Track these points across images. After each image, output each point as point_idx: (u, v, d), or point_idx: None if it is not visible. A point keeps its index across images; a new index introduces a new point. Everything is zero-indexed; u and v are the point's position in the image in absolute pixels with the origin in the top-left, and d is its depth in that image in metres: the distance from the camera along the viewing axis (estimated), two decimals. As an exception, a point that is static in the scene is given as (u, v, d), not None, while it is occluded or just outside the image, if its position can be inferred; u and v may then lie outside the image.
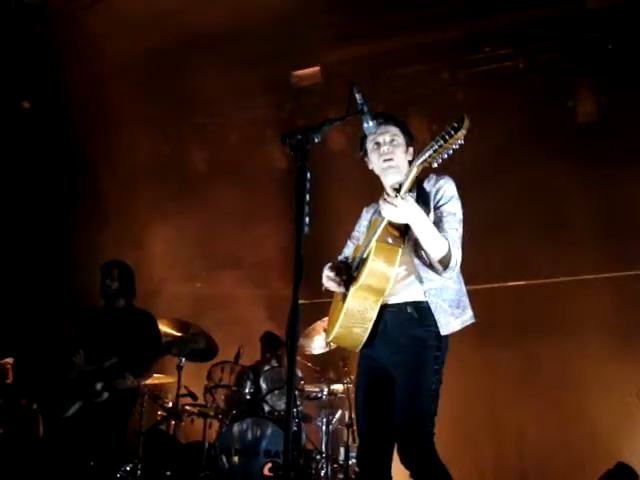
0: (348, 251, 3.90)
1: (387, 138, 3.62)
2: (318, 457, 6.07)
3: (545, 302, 7.00)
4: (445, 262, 3.43)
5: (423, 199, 3.54)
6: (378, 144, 3.64)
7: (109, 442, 5.39)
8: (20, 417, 6.12)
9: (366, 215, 3.90)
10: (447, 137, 3.17)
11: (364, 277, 3.45)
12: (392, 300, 3.53)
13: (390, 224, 3.46)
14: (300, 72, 7.88)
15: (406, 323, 3.50)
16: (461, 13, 7.12)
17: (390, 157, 3.60)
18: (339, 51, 7.64)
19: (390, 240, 3.49)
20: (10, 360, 5.78)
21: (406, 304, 3.52)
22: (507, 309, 7.14)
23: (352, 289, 3.51)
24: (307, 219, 2.69)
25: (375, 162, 3.68)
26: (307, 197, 2.71)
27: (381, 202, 3.35)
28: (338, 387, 6.30)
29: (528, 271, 7.22)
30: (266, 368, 6.50)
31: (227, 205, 7.77)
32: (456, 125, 3.17)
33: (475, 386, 7.03)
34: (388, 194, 3.43)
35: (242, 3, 6.94)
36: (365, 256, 3.52)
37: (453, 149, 3.21)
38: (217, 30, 7.09)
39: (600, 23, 6.98)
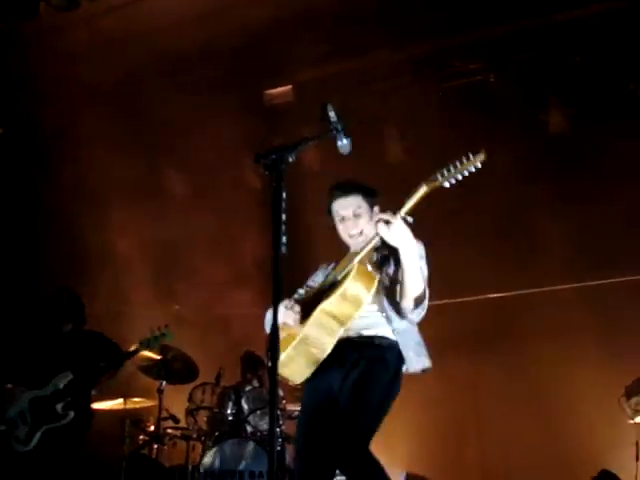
0: (297, 296, 3.83)
1: (349, 212, 3.71)
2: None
3: (527, 313, 7.04)
4: (419, 300, 3.48)
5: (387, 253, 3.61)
6: (343, 218, 3.73)
7: (73, 463, 5.27)
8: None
9: (322, 272, 3.92)
10: (459, 164, 3.27)
11: (334, 298, 3.42)
12: (356, 333, 3.55)
13: (369, 252, 3.50)
14: (272, 91, 7.91)
15: (372, 352, 3.51)
16: (431, 29, 7.19)
17: (354, 231, 3.70)
18: (311, 70, 7.69)
19: (369, 267, 3.51)
20: None
21: (375, 337, 3.55)
22: (490, 321, 7.18)
23: (316, 311, 3.45)
24: (284, 238, 2.70)
25: (342, 234, 3.78)
26: (283, 217, 2.72)
27: (378, 223, 3.35)
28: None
29: (506, 283, 7.25)
30: (247, 388, 6.46)
31: (202, 226, 7.76)
32: (471, 155, 3.28)
33: (458, 397, 7.04)
34: (387, 215, 3.37)
35: (214, 23, 6.98)
36: (339, 279, 3.50)
37: (464, 174, 3.28)
38: (189, 50, 7.12)
39: (568, 35, 7.08)
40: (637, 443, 5.56)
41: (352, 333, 3.53)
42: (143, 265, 7.63)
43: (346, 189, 3.76)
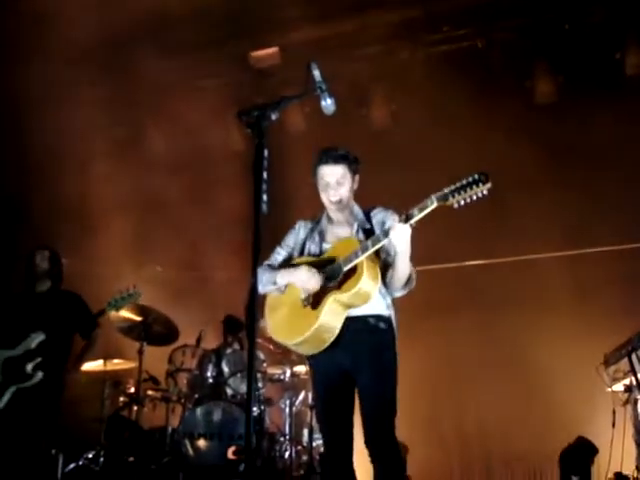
0: (280, 257, 4.04)
1: (333, 180, 3.86)
2: (282, 439, 6.08)
3: (502, 281, 7.09)
4: (409, 283, 3.79)
5: (371, 229, 3.85)
6: (327, 184, 3.89)
7: (46, 424, 5.26)
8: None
9: (303, 230, 4.09)
10: (468, 188, 3.33)
11: (349, 295, 3.63)
12: (354, 313, 3.74)
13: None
14: (259, 53, 7.81)
15: (370, 331, 3.76)
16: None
17: (336, 198, 3.88)
18: (298, 32, 7.57)
19: (372, 260, 3.71)
20: None
21: (370, 316, 3.77)
22: (465, 288, 7.21)
23: (328, 301, 3.66)
24: (265, 197, 2.66)
25: (323, 199, 3.95)
26: (264, 175, 2.68)
27: (395, 225, 3.50)
28: (301, 369, 6.30)
29: (485, 250, 7.27)
30: (228, 351, 6.46)
31: (184, 186, 7.69)
32: (480, 180, 3.32)
33: (435, 364, 7.08)
34: (397, 219, 3.55)
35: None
36: (343, 268, 3.67)
37: (472, 199, 3.34)
38: (174, 10, 6.99)
39: (556, 3, 7.05)
40: (613, 410, 5.60)
41: (353, 312, 3.74)
42: (123, 224, 7.56)
43: (334, 157, 3.89)
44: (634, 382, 5.17)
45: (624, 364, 5.26)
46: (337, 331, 3.69)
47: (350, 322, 3.72)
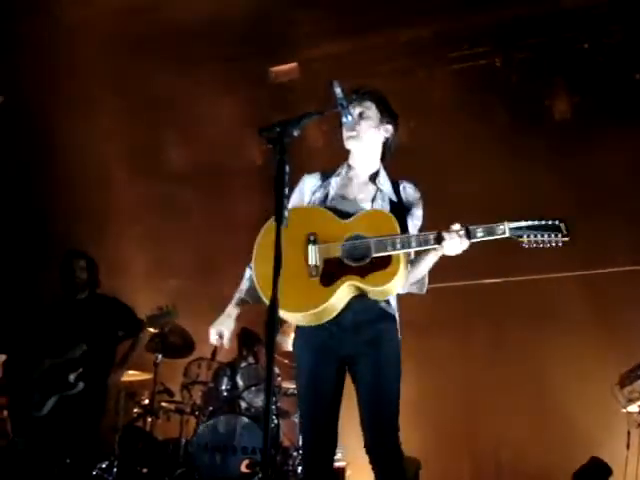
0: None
1: (356, 111, 3.57)
2: (295, 454, 6.07)
3: (517, 300, 7.05)
4: (419, 284, 3.51)
5: (399, 203, 3.53)
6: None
7: (86, 436, 5.34)
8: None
9: (309, 184, 3.66)
10: (546, 233, 3.25)
11: (374, 290, 3.29)
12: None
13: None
14: (278, 68, 7.87)
15: (378, 316, 3.42)
16: (439, 11, 7.15)
17: (352, 133, 3.54)
18: (317, 48, 7.65)
19: (405, 257, 3.36)
20: (2, 357, 5.69)
21: (377, 300, 3.42)
22: (480, 307, 7.20)
23: (345, 283, 3.26)
24: (286, 213, 2.68)
25: (343, 139, 3.61)
26: (286, 190, 2.70)
27: (454, 235, 3.23)
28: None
29: (500, 269, 7.26)
30: (243, 365, 6.48)
31: (202, 200, 7.74)
32: (561, 229, 3.26)
33: (450, 382, 7.06)
34: (456, 231, 3.25)
35: (220, -1, 6.93)
36: (373, 253, 3.25)
37: (546, 246, 3.25)
38: (196, 25, 7.05)
39: (576, 22, 7.06)
40: (628, 432, 5.59)
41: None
42: (142, 238, 7.62)
43: (363, 92, 3.61)
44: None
45: (639, 385, 5.25)
46: (337, 312, 3.33)
47: (354, 301, 3.35)
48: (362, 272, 3.25)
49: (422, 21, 7.31)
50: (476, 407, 7.17)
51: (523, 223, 3.24)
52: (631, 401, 5.55)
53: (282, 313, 3.33)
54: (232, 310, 3.72)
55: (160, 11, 7.03)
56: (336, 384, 3.43)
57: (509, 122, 7.09)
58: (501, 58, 7.41)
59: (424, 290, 3.54)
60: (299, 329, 3.52)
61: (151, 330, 5.76)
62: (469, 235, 3.24)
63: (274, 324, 2.66)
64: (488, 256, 6.85)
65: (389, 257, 3.25)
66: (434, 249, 3.30)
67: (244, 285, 3.72)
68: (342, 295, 3.29)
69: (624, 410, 5.67)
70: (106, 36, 7.10)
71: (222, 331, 3.65)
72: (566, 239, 3.23)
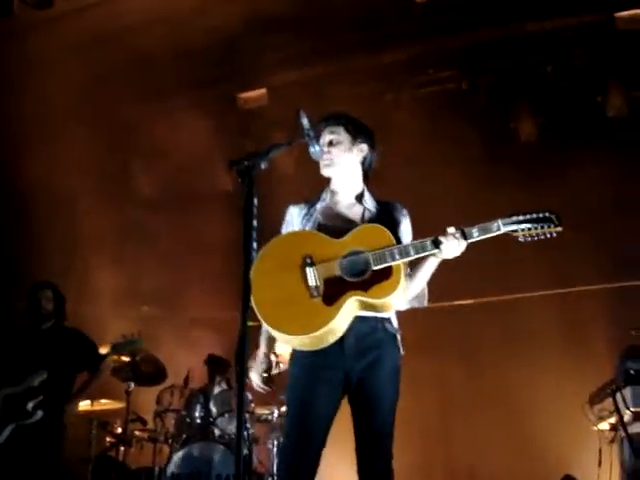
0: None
1: (326, 139, 3.59)
2: (270, 479, 6.05)
3: (490, 320, 7.11)
4: (419, 298, 3.50)
5: (390, 221, 3.52)
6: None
7: (46, 465, 5.28)
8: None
9: (298, 215, 3.61)
10: (539, 225, 3.26)
11: (376, 302, 3.25)
12: (366, 313, 3.35)
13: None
14: (246, 94, 7.92)
15: (378, 337, 3.39)
16: (405, 36, 7.26)
17: (326, 158, 3.54)
18: (285, 74, 7.70)
19: (404, 267, 3.35)
20: None
21: (381, 319, 3.41)
22: (454, 328, 7.24)
23: (349, 300, 3.22)
24: (254, 244, 2.71)
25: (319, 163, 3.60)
26: (254, 222, 2.73)
27: (450, 238, 3.26)
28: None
29: (473, 290, 7.32)
30: (215, 391, 6.45)
31: (174, 231, 7.75)
32: (553, 220, 3.27)
33: (423, 400, 7.06)
34: (452, 233, 3.28)
35: (188, 25, 6.98)
36: (373, 266, 3.23)
37: (540, 238, 3.28)
38: (160, 51, 7.09)
39: (540, 46, 7.19)
40: (600, 449, 5.63)
41: (362, 312, 3.36)
42: (111, 265, 7.59)
43: (329, 118, 3.63)
44: (619, 421, 5.20)
45: (609, 403, 5.30)
46: (342, 333, 3.29)
47: (357, 322, 3.31)
48: (364, 286, 3.23)
49: (388, 46, 7.39)
50: (451, 426, 7.20)
51: (515, 218, 3.26)
52: (602, 419, 5.60)
53: (286, 338, 3.33)
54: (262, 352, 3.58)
55: (125, 39, 7.08)
56: (331, 412, 3.39)
57: (476, 144, 7.17)
58: (467, 82, 7.50)
59: (425, 303, 3.54)
60: (297, 353, 3.45)
61: (114, 358, 5.72)
62: (465, 236, 3.27)
63: (244, 350, 2.67)
64: (463, 277, 6.98)
65: (389, 268, 3.24)
66: (433, 255, 3.31)
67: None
68: (347, 312, 3.26)
69: (595, 428, 5.72)
70: (71, 65, 7.11)
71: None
72: (559, 229, 3.25)
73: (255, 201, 2.73)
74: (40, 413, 5.16)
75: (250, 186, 2.77)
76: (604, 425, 5.66)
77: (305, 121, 3.10)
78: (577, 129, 6.99)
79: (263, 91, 7.84)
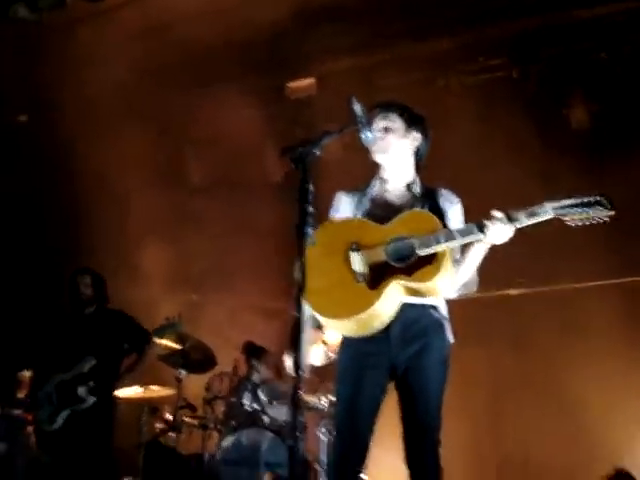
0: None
1: (380, 125, 3.59)
2: (318, 468, 6.07)
3: (545, 310, 7.01)
4: (468, 284, 3.47)
5: (437, 207, 3.52)
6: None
7: (101, 449, 5.37)
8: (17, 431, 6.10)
9: (346, 203, 3.64)
10: (590, 209, 3.18)
11: (420, 285, 3.24)
12: (414, 300, 3.37)
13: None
14: (295, 84, 7.92)
15: (425, 325, 3.40)
16: (455, 23, 7.18)
17: (380, 144, 3.54)
18: (334, 63, 7.68)
19: (450, 252, 3.34)
20: (28, 373, 5.77)
21: (430, 307, 3.42)
22: (507, 318, 7.17)
23: (391, 283, 3.23)
24: (310, 231, 2.72)
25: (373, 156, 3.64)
26: (310, 209, 2.74)
27: (497, 222, 3.20)
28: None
29: (528, 280, 7.22)
30: (255, 378, 6.49)
31: (224, 218, 7.80)
32: (604, 204, 3.19)
33: (478, 389, 7.03)
34: (498, 217, 3.22)
35: (235, 16, 7.00)
36: (418, 252, 3.23)
37: (591, 222, 3.20)
38: (211, 42, 7.13)
39: (593, 32, 7.04)
40: (654, 443, 5.56)
41: (411, 298, 3.37)
42: (160, 252, 7.68)
43: (383, 105, 3.64)
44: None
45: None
46: (389, 319, 3.32)
47: (405, 309, 3.34)
48: (408, 271, 3.24)
49: (438, 34, 7.32)
50: (501, 420, 7.14)
51: (565, 202, 3.18)
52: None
53: (333, 323, 3.39)
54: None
55: (175, 30, 7.14)
56: (379, 398, 3.41)
57: (528, 132, 7.06)
58: (518, 70, 7.39)
59: (474, 289, 3.51)
60: (345, 341, 3.49)
61: (159, 341, 5.79)
62: (512, 220, 3.21)
63: (299, 338, 2.68)
64: (513, 266, 6.89)
65: (434, 254, 3.23)
66: (480, 240, 3.28)
67: None
68: (391, 297, 3.28)
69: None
70: (124, 57, 7.19)
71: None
72: (612, 212, 3.16)
73: (310, 187, 2.73)
74: (92, 398, 5.27)
75: (304, 172, 2.78)
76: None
77: (357, 107, 3.08)
78: (632, 116, 6.83)
79: (312, 80, 7.83)
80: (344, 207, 3.63)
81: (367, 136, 3.24)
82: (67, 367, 5.39)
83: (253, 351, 6.85)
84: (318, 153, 2.86)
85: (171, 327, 5.58)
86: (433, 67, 7.49)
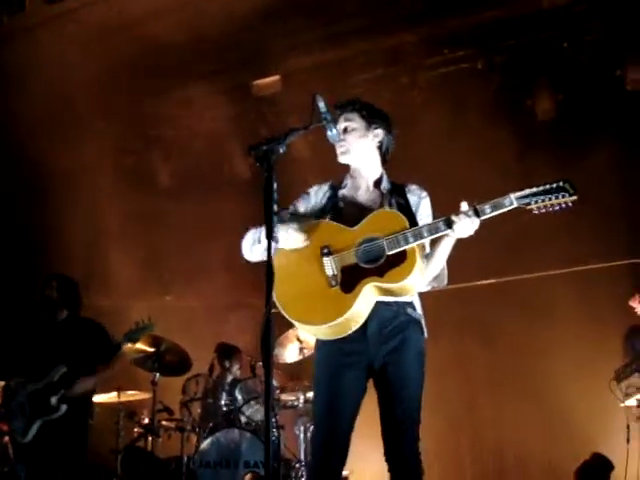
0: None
1: (341, 126, 3.59)
2: (297, 465, 6.08)
3: (513, 299, 7.07)
4: (439, 278, 3.49)
5: (406, 204, 3.53)
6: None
7: (74, 458, 5.30)
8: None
9: (317, 194, 3.67)
10: (553, 196, 3.19)
11: (393, 286, 3.27)
12: (388, 298, 3.39)
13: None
14: (260, 81, 7.90)
15: (401, 322, 3.42)
16: (418, 17, 7.19)
17: (340, 145, 3.57)
18: (299, 59, 7.65)
19: (420, 250, 3.36)
20: (0, 383, 5.66)
21: (403, 304, 3.44)
22: (479, 307, 7.22)
23: (366, 286, 3.27)
24: (276, 229, 2.72)
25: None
26: (275, 207, 2.74)
27: (462, 217, 3.23)
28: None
29: (495, 269, 7.28)
30: (230, 378, 6.50)
31: (193, 217, 7.77)
32: (567, 189, 3.20)
33: (450, 384, 7.06)
34: (464, 211, 3.26)
35: (200, 13, 6.96)
36: (387, 252, 3.27)
37: (555, 209, 3.22)
38: (176, 41, 7.08)
39: (555, 21, 7.09)
40: (628, 426, 5.62)
41: (384, 297, 3.39)
42: (131, 257, 7.63)
43: (342, 105, 3.62)
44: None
45: (636, 379, 5.27)
46: (364, 319, 3.33)
47: (380, 307, 3.36)
48: (380, 272, 3.27)
49: (402, 27, 7.32)
50: (477, 408, 7.19)
51: (528, 191, 3.21)
52: (628, 395, 5.57)
53: (308, 329, 3.45)
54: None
55: (137, 29, 7.08)
56: (358, 398, 3.43)
57: (494, 123, 7.10)
58: (483, 61, 7.42)
59: (445, 282, 3.53)
60: (321, 341, 3.50)
61: (130, 347, 5.72)
62: (478, 213, 3.24)
63: (270, 335, 2.69)
64: (482, 258, 6.94)
65: (404, 252, 3.27)
66: (447, 235, 3.30)
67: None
68: (365, 299, 3.30)
69: (622, 405, 5.69)
70: (85, 58, 7.12)
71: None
72: (574, 197, 3.18)
73: (275, 186, 2.73)
74: (64, 407, 5.18)
75: (269, 171, 2.79)
76: (631, 402, 5.63)
77: (322, 104, 3.09)
78: (596, 104, 6.89)
79: (277, 78, 7.81)
80: (314, 197, 3.65)
81: (333, 133, 3.25)
82: (38, 376, 5.31)
83: (225, 352, 6.84)
84: (282, 151, 2.87)
85: (142, 330, 5.49)
86: (398, 61, 7.50)
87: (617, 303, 6.47)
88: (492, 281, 7.37)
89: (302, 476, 5.98)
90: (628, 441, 5.57)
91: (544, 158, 6.70)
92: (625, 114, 6.77)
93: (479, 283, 7.38)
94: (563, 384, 6.47)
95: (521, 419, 6.83)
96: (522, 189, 3.23)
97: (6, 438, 5.66)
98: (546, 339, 6.75)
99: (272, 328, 2.68)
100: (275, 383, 6.27)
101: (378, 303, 3.36)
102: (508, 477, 7.12)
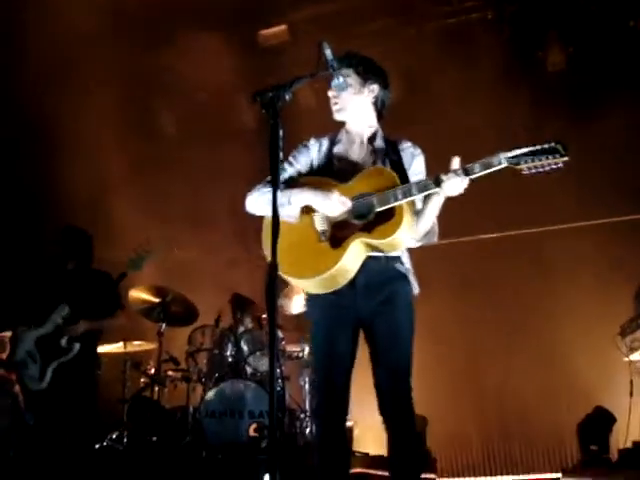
0: (286, 175, 3.52)
1: (332, 85, 3.51)
2: (302, 416, 6.13)
3: (517, 254, 7.05)
4: (430, 234, 3.49)
5: (399, 161, 3.52)
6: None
7: (88, 405, 5.34)
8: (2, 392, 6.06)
9: (315, 148, 3.64)
10: (543, 156, 3.12)
11: (381, 242, 3.29)
12: (374, 252, 3.40)
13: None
14: (267, 31, 7.80)
15: (391, 276, 3.44)
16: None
17: (335, 102, 3.58)
18: (306, 9, 7.56)
19: (409, 206, 3.36)
20: (7, 334, 5.66)
21: (392, 258, 3.45)
22: (482, 261, 7.20)
23: (354, 243, 3.30)
24: (281, 174, 2.70)
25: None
26: (280, 155, 2.71)
27: (451, 175, 3.22)
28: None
29: (500, 223, 7.24)
30: (241, 330, 6.51)
31: (199, 168, 7.73)
32: (558, 150, 3.12)
33: (452, 340, 7.08)
34: (454, 169, 3.24)
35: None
36: (377, 208, 3.29)
37: (546, 170, 3.16)
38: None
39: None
40: (631, 380, 5.64)
41: (373, 252, 3.41)
42: (141, 210, 7.60)
43: (340, 60, 3.39)
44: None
45: (641, 334, 5.28)
46: (353, 274, 3.36)
47: (368, 261, 3.38)
48: (368, 228, 3.30)
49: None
50: (479, 364, 7.19)
51: (518, 151, 3.16)
52: (633, 350, 5.58)
53: (298, 282, 3.49)
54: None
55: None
56: (351, 347, 3.46)
57: (503, 75, 7.00)
58: (493, 11, 7.32)
59: (435, 239, 3.54)
60: (311, 295, 3.53)
61: (146, 297, 5.69)
62: (467, 172, 3.23)
63: (274, 288, 2.70)
64: (487, 212, 6.90)
65: (393, 209, 3.28)
66: (436, 193, 3.30)
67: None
68: (354, 255, 3.33)
69: (626, 359, 5.71)
70: (92, 12, 7.01)
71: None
72: (566, 159, 3.11)
73: (281, 133, 2.70)
74: (77, 346, 5.18)
75: (275, 117, 2.77)
76: (636, 356, 5.65)
77: (328, 52, 3.05)
78: (608, 56, 6.77)
79: (283, 27, 7.71)
80: (314, 150, 3.63)
81: (339, 81, 3.24)
82: (41, 320, 5.29)
83: (240, 303, 6.85)
84: (288, 98, 2.84)
85: (143, 257, 5.40)
86: (405, 12, 7.39)
87: (626, 258, 6.45)
88: (496, 235, 7.32)
89: (307, 426, 6.04)
90: (631, 395, 5.60)
91: (555, 110, 6.62)
92: (638, 65, 6.66)
93: (482, 237, 7.34)
94: (570, 338, 6.48)
95: (525, 374, 6.83)
96: (511, 149, 3.18)
97: (16, 387, 5.69)
98: (555, 294, 6.73)
99: (276, 279, 2.67)
100: (280, 334, 6.30)
101: (367, 257, 3.38)
102: (511, 431, 7.15)
